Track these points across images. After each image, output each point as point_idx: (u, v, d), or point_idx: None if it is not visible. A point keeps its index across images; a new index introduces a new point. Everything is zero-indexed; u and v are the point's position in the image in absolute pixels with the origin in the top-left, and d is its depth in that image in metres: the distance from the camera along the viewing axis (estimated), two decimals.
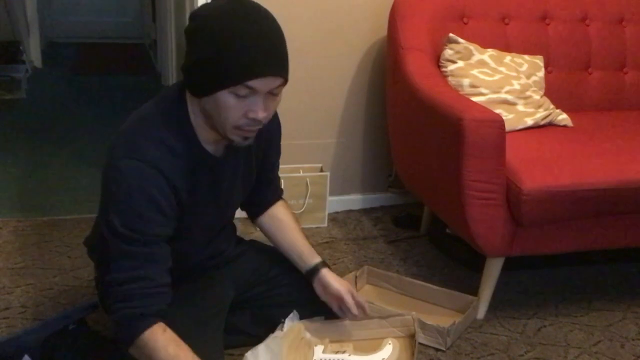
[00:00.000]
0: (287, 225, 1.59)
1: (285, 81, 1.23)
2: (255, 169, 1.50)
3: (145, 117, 1.29)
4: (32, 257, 1.99)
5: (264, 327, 1.59)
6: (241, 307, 1.58)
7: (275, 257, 1.65)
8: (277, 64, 1.19)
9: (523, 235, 1.72)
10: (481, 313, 1.79)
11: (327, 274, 1.51)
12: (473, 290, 1.82)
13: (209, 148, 1.32)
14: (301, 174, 2.33)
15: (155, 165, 1.22)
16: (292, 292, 1.58)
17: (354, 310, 1.50)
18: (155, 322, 1.23)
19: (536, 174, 1.66)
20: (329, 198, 2.38)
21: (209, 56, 1.17)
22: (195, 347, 1.33)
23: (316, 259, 1.54)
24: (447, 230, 2.22)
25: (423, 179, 2.00)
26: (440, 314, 1.77)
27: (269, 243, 1.66)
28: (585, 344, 1.69)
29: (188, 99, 1.28)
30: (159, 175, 1.23)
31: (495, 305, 1.81)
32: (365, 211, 2.54)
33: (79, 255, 2.04)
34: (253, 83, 1.17)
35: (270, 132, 1.47)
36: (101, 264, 1.48)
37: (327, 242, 2.24)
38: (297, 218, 1.65)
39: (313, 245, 2.14)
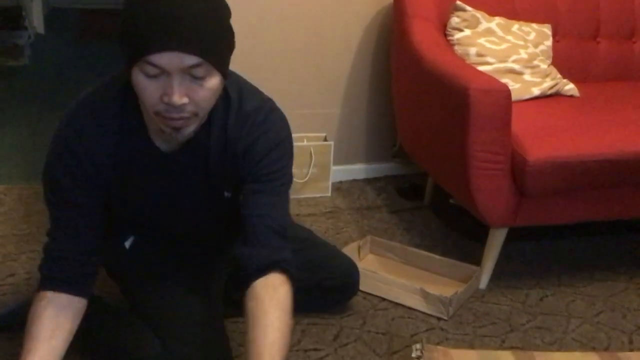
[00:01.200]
0: (261, 319, 1.13)
1: (209, 62, 1.06)
2: (225, 185, 1.29)
3: (96, 88, 1.25)
4: (36, 224, 2.00)
5: None
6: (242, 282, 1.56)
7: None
8: (182, 39, 1.02)
9: (527, 206, 1.71)
10: (483, 283, 1.80)
11: None
12: (476, 260, 1.82)
13: (157, 140, 1.22)
14: (305, 143, 2.32)
15: (79, 135, 1.19)
16: (300, 274, 1.56)
17: None
18: (49, 288, 1.19)
19: (542, 145, 1.65)
20: (333, 167, 2.37)
21: (121, 30, 1.09)
22: (194, 317, 1.34)
23: None
24: (451, 201, 2.22)
25: (427, 149, 1.99)
26: (442, 284, 1.78)
27: None
28: (587, 314, 1.70)
29: None
30: (79, 146, 1.19)
31: (498, 275, 1.82)
32: (369, 181, 2.54)
33: None
34: (153, 58, 1.03)
35: (250, 144, 1.22)
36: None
37: (330, 212, 2.24)
38: (289, 326, 1.17)
39: (316, 215, 2.14)
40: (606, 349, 1.53)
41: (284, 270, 1.19)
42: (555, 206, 1.75)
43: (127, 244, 1.45)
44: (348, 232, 2.10)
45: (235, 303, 1.54)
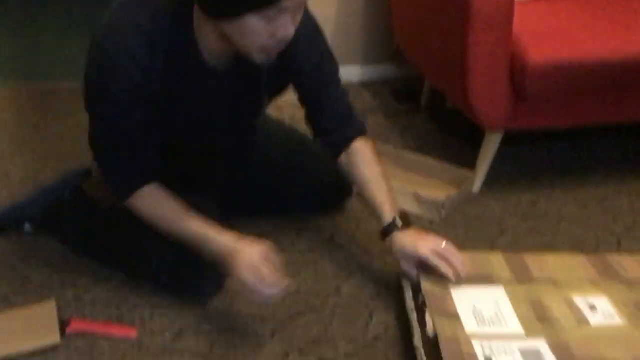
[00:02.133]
0: (367, 170, 1.38)
1: None
2: (269, 95, 1.40)
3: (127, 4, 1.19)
4: (29, 125, 1.98)
5: (262, 207, 1.62)
6: (239, 186, 1.58)
7: (284, 131, 1.65)
8: None
9: (524, 109, 1.70)
10: (477, 187, 1.81)
11: (399, 239, 1.29)
12: (470, 164, 1.83)
13: (210, 58, 1.22)
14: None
15: (132, 55, 1.15)
16: (295, 177, 1.58)
17: (445, 270, 1.25)
18: (153, 179, 1.25)
19: (543, 47, 1.61)
20: None
21: None
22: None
23: (388, 218, 1.32)
24: (447, 105, 2.20)
25: (425, 50, 1.95)
26: (436, 187, 1.79)
27: None
28: (578, 216, 1.72)
29: (196, 16, 1.16)
30: (132, 64, 1.15)
31: (491, 179, 1.83)
32: (364, 84, 2.50)
33: (75, 124, 2.03)
34: (288, 3, 1.04)
35: (301, 53, 1.32)
36: None
37: None
38: (382, 163, 1.41)
39: None
40: (595, 251, 1.57)
41: (362, 133, 1.42)
42: (553, 110, 1.73)
43: None
44: None
45: (233, 207, 1.57)
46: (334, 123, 1.41)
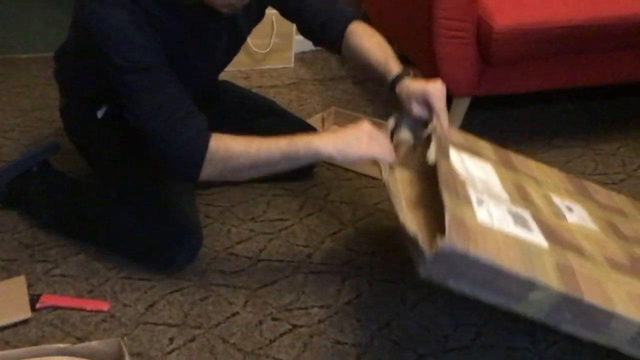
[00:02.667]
0: (365, 42, 1.37)
1: None
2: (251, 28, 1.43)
3: None
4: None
5: None
6: None
7: (250, 100, 1.64)
8: None
9: (491, 74, 1.71)
10: None
11: (410, 84, 1.29)
12: None
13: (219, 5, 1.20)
14: (266, 11, 2.23)
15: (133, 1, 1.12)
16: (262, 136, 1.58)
17: (441, 111, 1.25)
18: (209, 135, 1.17)
19: (508, 12, 1.61)
20: (296, 37, 2.30)
21: None
22: (167, 190, 1.36)
23: (397, 69, 1.33)
24: (416, 70, 2.19)
25: (393, 16, 1.94)
26: None
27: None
28: None
29: None
30: (138, 9, 1.13)
31: None
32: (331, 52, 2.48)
33: (38, 96, 1.98)
34: None
35: None
36: (69, 88, 1.44)
37: (294, 83, 2.21)
38: (379, 34, 1.41)
39: (278, 87, 2.12)
40: None
41: (353, 19, 1.41)
42: (519, 74, 1.75)
43: (99, 114, 1.41)
44: (312, 103, 2.08)
45: None
46: (323, 22, 1.41)
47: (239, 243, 1.44)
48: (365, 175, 1.72)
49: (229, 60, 1.46)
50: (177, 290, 1.30)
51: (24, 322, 1.20)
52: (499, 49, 1.62)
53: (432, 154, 1.13)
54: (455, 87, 1.72)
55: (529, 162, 1.37)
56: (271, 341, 1.18)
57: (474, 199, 1.06)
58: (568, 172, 1.77)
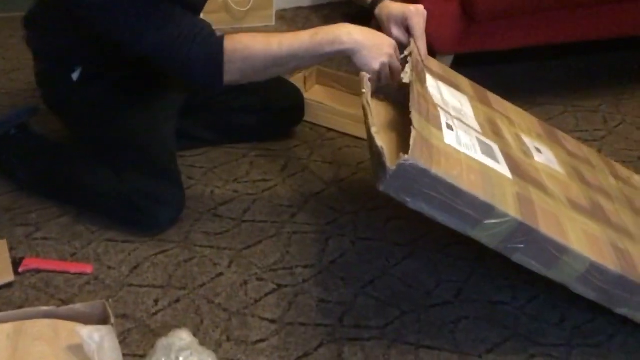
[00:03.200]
0: None
1: None
2: None
3: None
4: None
5: (214, 132, 1.60)
6: (192, 112, 1.56)
7: None
8: None
9: (474, 31, 1.69)
10: None
11: (389, 5, 1.31)
12: None
13: None
14: None
15: None
16: (245, 97, 1.56)
17: (419, 33, 1.26)
18: (221, 35, 1.14)
19: None
20: None
21: None
22: (147, 149, 1.35)
23: None
24: None
25: None
26: None
27: None
28: None
29: None
30: None
31: None
32: (314, 8, 2.45)
33: (14, 57, 1.94)
34: None
35: None
36: (43, 53, 1.41)
37: None
38: None
39: None
40: None
41: None
42: (501, 31, 1.74)
43: (75, 76, 1.39)
44: None
45: (189, 136, 1.55)
46: None
47: (222, 204, 1.43)
48: (349, 135, 1.71)
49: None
50: (161, 252, 1.30)
51: (7, 286, 1.19)
52: (482, 5, 1.60)
53: (406, 75, 1.13)
54: (438, 44, 1.70)
55: (504, 102, 1.39)
56: (256, 301, 1.19)
57: (444, 122, 1.07)
58: None
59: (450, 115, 1.12)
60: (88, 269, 1.24)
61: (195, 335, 1.04)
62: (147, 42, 1.13)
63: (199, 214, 1.40)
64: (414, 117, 1.00)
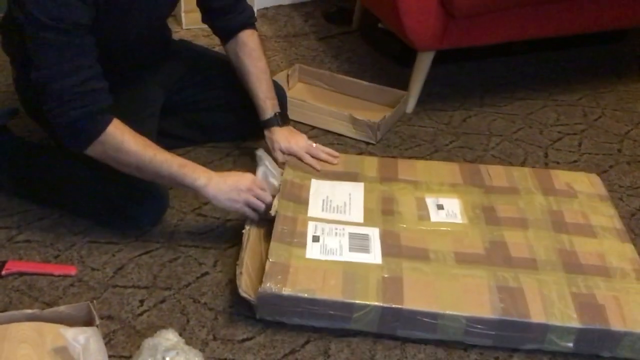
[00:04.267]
0: (250, 66, 1.47)
1: None
2: None
3: None
4: None
5: (196, 130, 1.60)
6: (173, 111, 1.55)
7: (209, 58, 1.61)
8: None
9: (454, 27, 1.70)
10: (410, 107, 1.83)
11: (277, 133, 1.47)
12: (403, 85, 1.84)
13: None
14: None
15: None
16: (225, 96, 1.56)
17: (310, 162, 1.44)
18: (112, 118, 1.17)
19: None
20: None
21: None
22: None
23: (270, 112, 1.48)
24: (379, 25, 2.18)
25: None
26: (371, 110, 1.80)
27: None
28: (507, 131, 1.77)
29: None
30: None
31: (424, 99, 1.85)
32: (295, 6, 2.45)
33: None
34: None
35: None
36: (19, 59, 1.39)
37: None
38: (265, 57, 1.51)
39: None
40: (523, 164, 1.63)
41: (250, 24, 1.49)
42: (480, 27, 1.75)
43: None
44: (276, 60, 2.06)
45: (170, 135, 1.54)
46: (223, 6, 1.46)
47: (206, 204, 1.43)
48: (332, 132, 1.71)
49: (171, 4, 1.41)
50: (145, 253, 1.29)
51: None
52: (461, 1, 1.61)
53: (274, 208, 1.27)
54: (418, 41, 1.71)
55: (415, 165, 1.47)
56: (242, 299, 1.19)
57: (310, 237, 1.21)
58: (531, 124, 1.80)
59: (325, 222, 1.25)
60: (72, 270, 1.23)
61: (181, 335, 1.05)
62: (52, 86, 1.14)
63: (182, 213, 1.40)
64: (272, 248, 1.17)
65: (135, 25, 1.31)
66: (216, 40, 1.70)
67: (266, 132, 1.48)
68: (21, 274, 1.22)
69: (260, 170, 1.36)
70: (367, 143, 1.68)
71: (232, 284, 1.22)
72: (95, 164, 1.33)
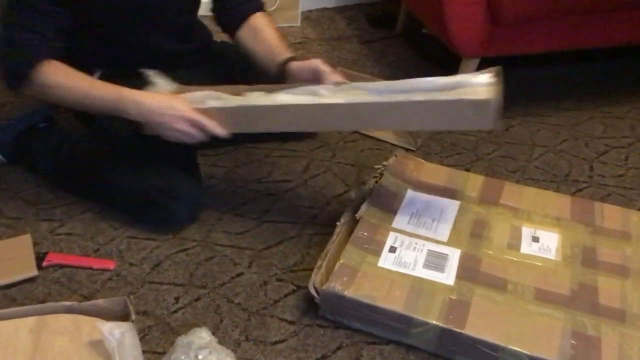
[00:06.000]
0: (265, 33, 1.42)
1: None
2: None
3: None
4: None
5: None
6: None
7: (244, 62, 1.62)
8: None
9: (500, 35, 1.68)
10: None
11: (298, 60, 1.35)
12: None
13: None
14: None
15: None
16: None
17: (332, 77, 1.30)
18: (42, 58, 1.21)
19: None
20: None
21: None
22: (168, 146, 1.35)
23: (287, 55, 1.37)
24: (423, 30, 2.16)
25: None
26: None
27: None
28: (551, 142, 1.74)
29: None
30: None
31: None
32: (339, 9, 2.45)
33: None
34: None
35: None
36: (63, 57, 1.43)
37: (300, 43, 2.18)
38: (280, 32, 1.45)
39: None
40: (567, 176, 1.59)
41: (260, 9, 1.45)
42: (527, 36, 1.72)
43: (95, 78, 1.40)
44: None
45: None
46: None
47: (243, 204, 1.44)
48: (371, 137, 1.70)
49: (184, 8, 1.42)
50: (182, 251, 1.30)
51: (31, 280, 1.21)
52: (509, 8, 1.58)
53: (360, 212, 1.27)
54: (464, 48, 1.69)
55: (522, 192, 1.38)
56: (275, 301, 1.19)
57: (388, 246, 1.20)
58: (576, 136, 1.76)
59: (407, 234, 1.23)
60: (110, 265, 1.25)
61: (214, 334, 1.05)
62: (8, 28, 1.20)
63: (220, 213, 1.41)
64: (346, 250, 1.19)
65: (155, 21, 1.34)
66: None
67: (287, 70, 1.34)
68: (61, 266, 1.25)
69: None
70: (407, 149, 1.66)
71: (267, 285, 1.23)
72: (133, 159, 1.36)
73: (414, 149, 1.66)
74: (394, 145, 1.67)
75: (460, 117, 1.10)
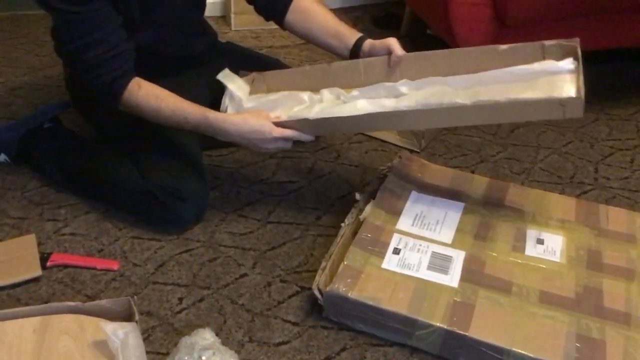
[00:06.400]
0: (316, 12, 1.41)
1: None
2: None
3: None
4: None
5: None
6: (219, 111, 1.56)
7: (254, 59, 1.61)
8: None
9: (506, 35, 1.67)
10: None
11: (371, 41, 1.36)
12: None
13: None
14: None
15: None
16: None
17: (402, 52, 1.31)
18: (128, 82, 1.23)
19: None
20: None
21: None
22: (174, 147, 1.36)
23: (357, 35, 1.38)
24: (428, 31, 2.16)
25: None
26: None
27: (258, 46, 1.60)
28: (556, 144, 1.73)
29: None
30: None
31: None
32: (344, 10, 2.44)
33: (47, 54, 1.97)
34: None
35: None
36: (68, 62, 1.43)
37: (304, 44, 2.18)
38: (327, 7, 1.45)
39: (289, 47, 2.08)
40: (572, 179, 1.59)
41: None
42: (533, 36, 1.71)
43: None
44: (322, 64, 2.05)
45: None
46: None
47: (248, 205, 1.44)
48: (375, 139, 1.70)
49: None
50: (186, 251, 1.30)
51: (35, 280, 1.21)
52: (514, 9, 1.58)
53: (364, 214, 1.28)
54: None
55: (528, 193, 1.38)
56: (279, 302, 1.19)
57: (391, 248, 1.20)
58: (581, 138, 1.75)
59: (411, 236, 1.23)
60: (114, 265, 1.25)
61: (217, 335, 1.05)
62: (81, 56, 1.22)
63: (224, 213, 1.41)
64: (350, 251, 1.19)
65: (171, 14, 1.35)
66: (264, 42, 1.72)
67: (363, 49, 1.36)
68: (65, 266, 1.25)
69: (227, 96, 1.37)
70: (412, 151, 1.66)
71: (270, 286, 1.22)
72: (139, 160, 1.36)
73: (418, 150, 1.66)
74: (398, 146, 1.67)
75: (549, 113, 1.13)
